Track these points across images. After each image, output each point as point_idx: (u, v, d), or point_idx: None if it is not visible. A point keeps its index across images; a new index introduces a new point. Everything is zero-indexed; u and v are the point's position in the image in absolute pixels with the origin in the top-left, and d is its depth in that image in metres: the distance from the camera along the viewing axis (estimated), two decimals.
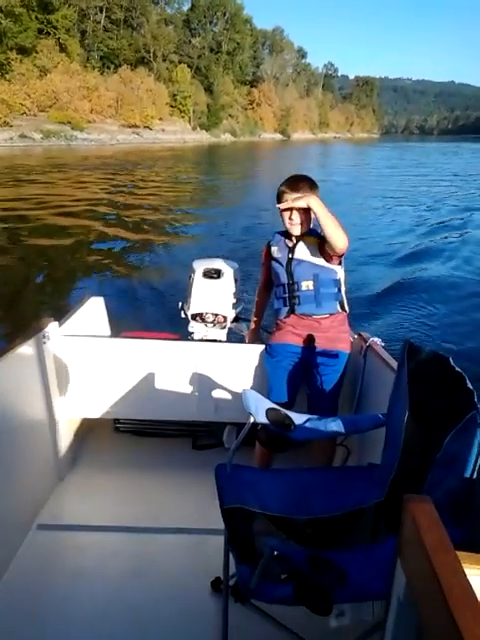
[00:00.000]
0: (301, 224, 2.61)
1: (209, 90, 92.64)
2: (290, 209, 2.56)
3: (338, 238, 2.42)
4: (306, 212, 2.56)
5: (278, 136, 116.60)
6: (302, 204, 2.48)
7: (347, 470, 2.43)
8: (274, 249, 2.75)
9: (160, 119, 78.40)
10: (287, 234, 2.72)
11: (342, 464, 2.68)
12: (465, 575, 0.77)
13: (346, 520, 1.83)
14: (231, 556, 1.73)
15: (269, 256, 2.80)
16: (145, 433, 3.38)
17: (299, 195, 2.51)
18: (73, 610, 2.10)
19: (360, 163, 48.95)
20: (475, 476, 1.41)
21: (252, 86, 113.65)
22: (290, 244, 2.70)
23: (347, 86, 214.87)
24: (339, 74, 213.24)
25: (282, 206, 2.56)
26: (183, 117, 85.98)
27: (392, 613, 0.97)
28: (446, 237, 13.49)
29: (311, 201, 2.44)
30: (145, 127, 73.45)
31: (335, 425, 2.05)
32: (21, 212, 15.93)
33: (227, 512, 1.75)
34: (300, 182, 2.62)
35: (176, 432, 3.37)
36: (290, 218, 2.60)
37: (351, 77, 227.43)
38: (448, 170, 38.34)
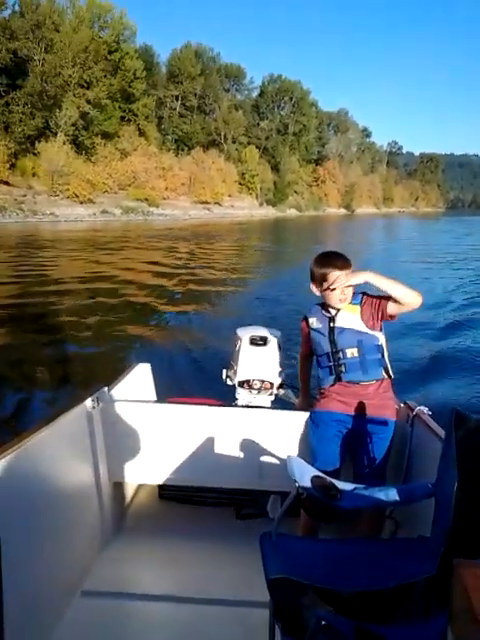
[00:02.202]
0: (343, 300, 2.61)
1: (276, 168, 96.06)
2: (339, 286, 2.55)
3: (410, 297, 2.44)
4: (350, 287, 2.57)
5: (342, 211, 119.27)
6: (359, 281, 2.51)
7: (396, 542, 2.37)
8: (312, 320, 2.77)
9: (229, 196, 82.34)
10: (324, 305, 2.73)
11: (390, 536, 2.61)
12: None
13: (395, 595, 1.77)
14: (276, 628, 1.69)
15: (308, 327, 2.81)
16: (189, 500, 3.34)
17: (349, 272, 2.54)
18: None
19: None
20: None
21: (317, 164, 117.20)
22: (329, 314, 2.70)
23: (412, 163, 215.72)
24: (404, 151, 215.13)
25: (337, 285, 2.53)
26: (251, 194, 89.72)
27: None
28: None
29: (368, 276, 2.47)
30: (215, 203, 77.49)
31: (383, 494, 2.00)
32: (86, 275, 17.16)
33: (273, 582, 1.72)
34: (337, 259, 2.63)
35: (220, 500, 3.32)
36: (342, 293, 2.58)
37: (416, 154, 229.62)
38: None
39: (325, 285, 2.59)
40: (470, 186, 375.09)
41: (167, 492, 3.36)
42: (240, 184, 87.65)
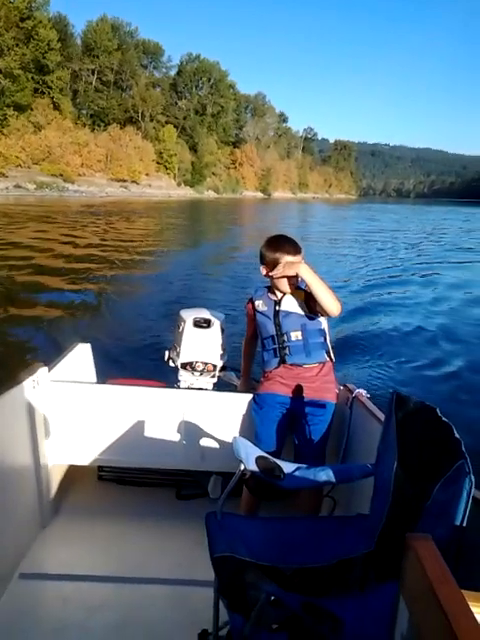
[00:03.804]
0: (291, 284, 2.65)
1: (194, 149, 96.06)
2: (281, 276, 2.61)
3: (331, 305, 2.48)
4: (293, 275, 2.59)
5: (259, 194, 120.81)
6: (292, 273, 2.53)
7: (336, 520, 2.41)
8: (258, 303, 2.78)
9: (147, 175, 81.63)
10: (270, 288, 2.75)
11: (329, 514, 2.65)
12: (469, 606, 0.79)
13: (335, 570, 1.82)
14: (220, 606, 1.71)
15: (253, 310, 2.83)
16: (129, 481, 3.35)
17: (289, 264, 2.55)
18: None
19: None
20: (465, 524, 1.42)
21: (235, 147, 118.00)
22: (275, 297, 2.72)
23: (327, 149, 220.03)
24: (319, 137, 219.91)
25: (276, 276, 2.59)
26: (169, 174, 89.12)
27: None
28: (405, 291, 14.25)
29: (302, 271, 2.48)
30: (132, 181, 76.61)
31: (324, 474, 2.04)
32: (15, 254, 16.43)
33: (218, 560, 1.73)
34: (285, 245, 2.63)
35: (160, 481, 3.34)
36: (289, 282, 2.64)
37: (331, 141, 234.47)
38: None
39: (271, 274, 2.63)
40: (381, 175, 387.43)
41: (107, 473, 3.36)
42: (158, 163, 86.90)
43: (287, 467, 2.06)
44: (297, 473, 2.06)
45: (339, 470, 2.20)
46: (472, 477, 1.44)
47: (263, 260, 2.69)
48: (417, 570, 0.89)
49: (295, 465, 2.11)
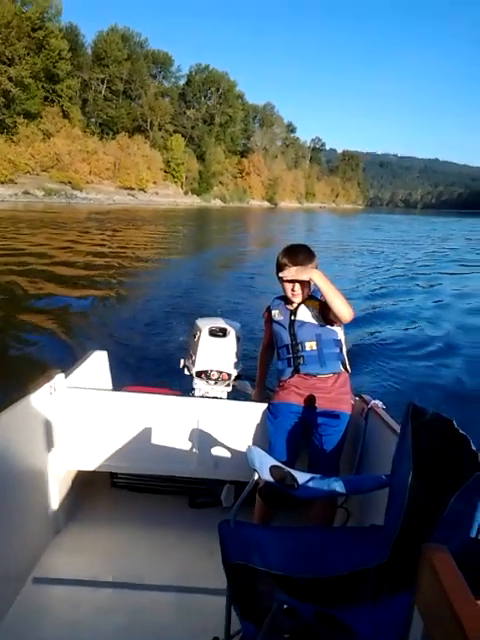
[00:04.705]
0: (302, 293, 2.67)
1: (201, 158, 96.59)
2: (292, 281, 2.62)
3: (343, 310, 2.49)
4: (306, 282, 2.62)
5: (266, 203, 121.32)
6: (305, 277, 2.54)
7: (350, 530, 2.42)
8: (275, 313, 2.81)
9: (154, 183, 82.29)
10: (286, 299, 2.76)
11: (342, 525, 2.67)
12: None
13: (348, 580, 1.82)
14: (233, 614, 1.70)
15: (270, 319, 2.86)
16: (142, 489, 3.36)
17: (300, 268, 2.57)
18: None
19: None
20: None
21: (242, 156, 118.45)
22: (291, 307, 2.74)
23: (334, 160, 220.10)
24: (327, 148, 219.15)
25: (286, 278, 2.60)
26: (176, 182, 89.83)
27: None
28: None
29: (314, 276, 2.50)
30: (140, 189, 77.37)
31: (338, 485, 2.04)
32: (26, 261, 16.46)
33: (231, 568, 1.74)
34: (299, 253, 2.67)
35: (173, 489, 3.34)
36: (292, 290, 2.66)
37: (339, 151, 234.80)
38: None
39: (280, 276, 2.65)
40: (389, 185, 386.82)
41: (120, 480, 3.38)
42: (165, 172, 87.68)
43: (301, 477, 2.06)
44: (311, 483, 2.06)
45: (353, 481, 2.24)
46: None
47: (277, 265, 2.72)
48: (432, 580, 0.89)
49: (309, 475, 2.11)
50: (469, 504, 1.45)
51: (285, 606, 1.40)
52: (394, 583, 1.70)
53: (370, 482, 2.13)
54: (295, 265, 2.60)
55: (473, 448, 1.55)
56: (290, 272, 2.57)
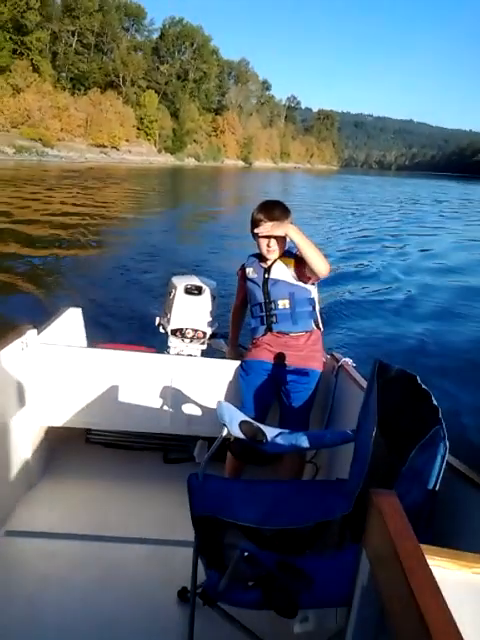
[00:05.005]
0: (278, 249, 2.66)
1: (175, 115, 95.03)
2: (267, 236, 2.60)
3: (320, 264, 2.49)
4: (282, 238, 2.60)
5: (240, 163, 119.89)
6: (280, 233, 2.54)
7: (316, 484, 2.45)
8: (249, 270, 2.80)
9: (127, 141, 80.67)
10: (261, 256, 2.74)
11: (310, 480, 2.71)
12: (425, 560, 0.81)
13: (313, 532, 1.86)
14: (200, 564, 1.73)
15: (244, 277, 2.85)
16: (116, 445, 3.40)
17: (276, 223, 2.56)
18: (39, 617, 2.07)
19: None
20: (438, 487, 1.47)
21: (217, 114, 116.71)
22: (265, 265, 2.72)
23: (310, 119, 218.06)
24: (303, 107, 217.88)
25: (261, 233, 2.58)
26: (149, 140, 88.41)
27: (356, 598, 0.99)
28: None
29: (290, 231, 2.50)
30: (113, 147, 75.75)
31: (306, 439, 2.07)
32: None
33: (198, 520, 1.76)
34: (275, 209, 2.64)
35: (147, 445, 3.40)
36: (268, 245, 2.63)
37: (314, 110, 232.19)
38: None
39: (255, 231, 2.64)
40: (363, 146, 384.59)
41: (95, 436, 3.40)
42: (138, 129, 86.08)
43: (270, 432, 2.09)
44: (279, 438, 2.09)
45: (320, 435, 2.32)
46: (447, 442, 1.50)
47: (252, 221, 2.70)
48: (379, 524, 0.91)
49: (278, 430, 2.14)
50: (428, 458, 1.50)
51: (246, 554, 1.44)
52: (357, 533, 1.73)
53: (336, 437, 2.20)
54: (271, 220, 2.59)
55: (435, 403, 1.59)
56: (265, 227, 2.56)
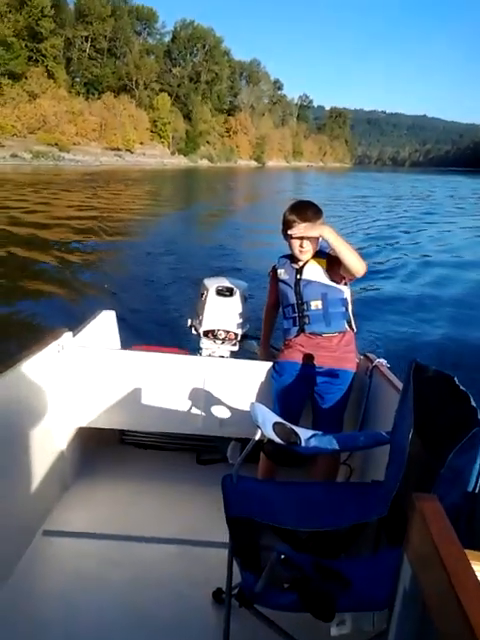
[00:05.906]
0: (310, 250, 2.63)
1: (188, 117, 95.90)
2: (301, 238, 2.57)
3: (357, 265, 2.45)
4: (314, 238, 2.57)
5: (253, 163, 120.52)
6: (315, 234, 2.51)
7: (351, 486, 2.44)
8: (281, 271, 2.77)
9: (141, 143, 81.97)
10: (292, 257, 2.72)
11: (344, 481, 2.71)
12: (470, 564, 0.80)
13: (349, 534, 1.86)
14: (234, 566, 1.73)
15: (276, 278, 2.82)
16: (150, 446, 3.43)
17: (310, 224, 2.54)
18: (75, 615, 2.11)
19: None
20: (478, 490, 1.43)
21: (229, 115, 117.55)
22: (297, 266, 2.70)
23: (322, 117, 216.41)
24: (315, 105, 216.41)
25: (295, 235, 2.56)
26: (163, 142, 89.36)
27: (398, 602, 0.98)
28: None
29: (325, 232, 2.46)
30: (127, 150, 76.98)
31: (340, 441, 2.07)
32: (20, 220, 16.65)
33: (233, 521, 1.77)
34: (308, 209, 2.62)
35: (180, 446, 3.40)
36: (301, 246, 2.60)
37: (327, 108, 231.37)
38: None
39: (288, 233, 2.61)
40: (376, 143, 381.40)
41: (129, 437, 3.43)
42: (152, 132, 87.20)
43: (303, 433, 2.07)
44: (313, 439, 2.06)
45: (354, 437, 2.30)
46: None
47: (284, 222, 2.67)
48: (421, 529, 0.91)
49: (311, 431, 2.12)
50: (467, 460, 1.47)
51: (282, 556, 1.42)
52: (393, 537, 1.75)
53: (370, 438, 2.16)
54: (304, 221, 2.55)
55: (473, 404, 1.57)
56: (299, 229, 2.53)
